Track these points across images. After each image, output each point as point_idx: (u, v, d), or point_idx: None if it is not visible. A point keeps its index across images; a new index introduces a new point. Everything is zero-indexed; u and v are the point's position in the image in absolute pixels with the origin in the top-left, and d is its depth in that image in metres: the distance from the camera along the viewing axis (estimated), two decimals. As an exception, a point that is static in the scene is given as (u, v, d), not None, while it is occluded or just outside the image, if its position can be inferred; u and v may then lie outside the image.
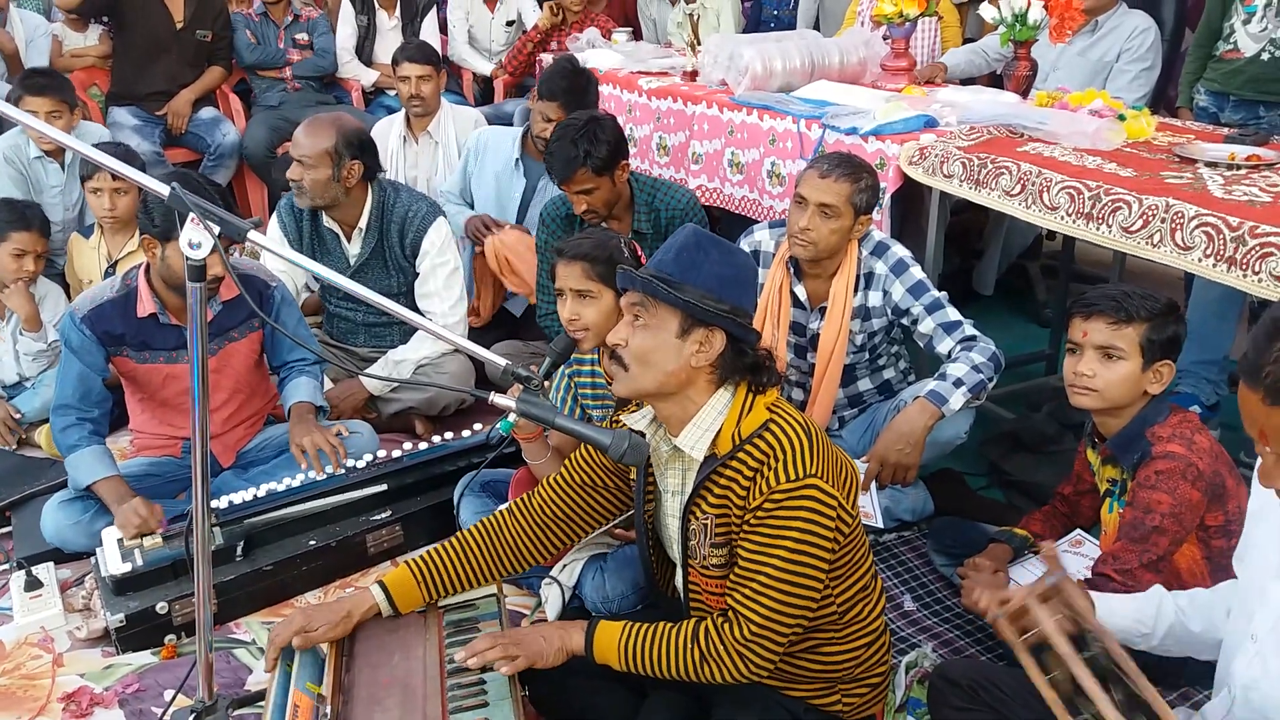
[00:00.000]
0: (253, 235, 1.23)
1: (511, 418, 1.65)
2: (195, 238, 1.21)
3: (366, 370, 2.64)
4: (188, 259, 1.21)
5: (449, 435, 2.38)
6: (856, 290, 2.16)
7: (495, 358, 1.38)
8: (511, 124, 3.55)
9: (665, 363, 1.36)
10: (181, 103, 3.89)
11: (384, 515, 2.19)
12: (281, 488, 2.16)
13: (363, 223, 2.64)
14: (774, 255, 2.24)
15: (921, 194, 2.51)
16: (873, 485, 1.97)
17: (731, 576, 1.40)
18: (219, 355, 2.24)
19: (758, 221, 2.61)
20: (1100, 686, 1.10)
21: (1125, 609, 1.33)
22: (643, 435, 1.46)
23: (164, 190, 1.20)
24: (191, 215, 1.20)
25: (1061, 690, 1.13)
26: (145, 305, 2.14)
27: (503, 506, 1.73)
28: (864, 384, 2.34)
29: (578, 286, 1.84)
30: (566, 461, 1.64)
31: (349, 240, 2.68)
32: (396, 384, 2.67)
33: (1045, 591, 1.26)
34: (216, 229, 1.21)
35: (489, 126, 3.31)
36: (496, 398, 1.40)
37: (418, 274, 2.70)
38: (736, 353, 1.36)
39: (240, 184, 4.08)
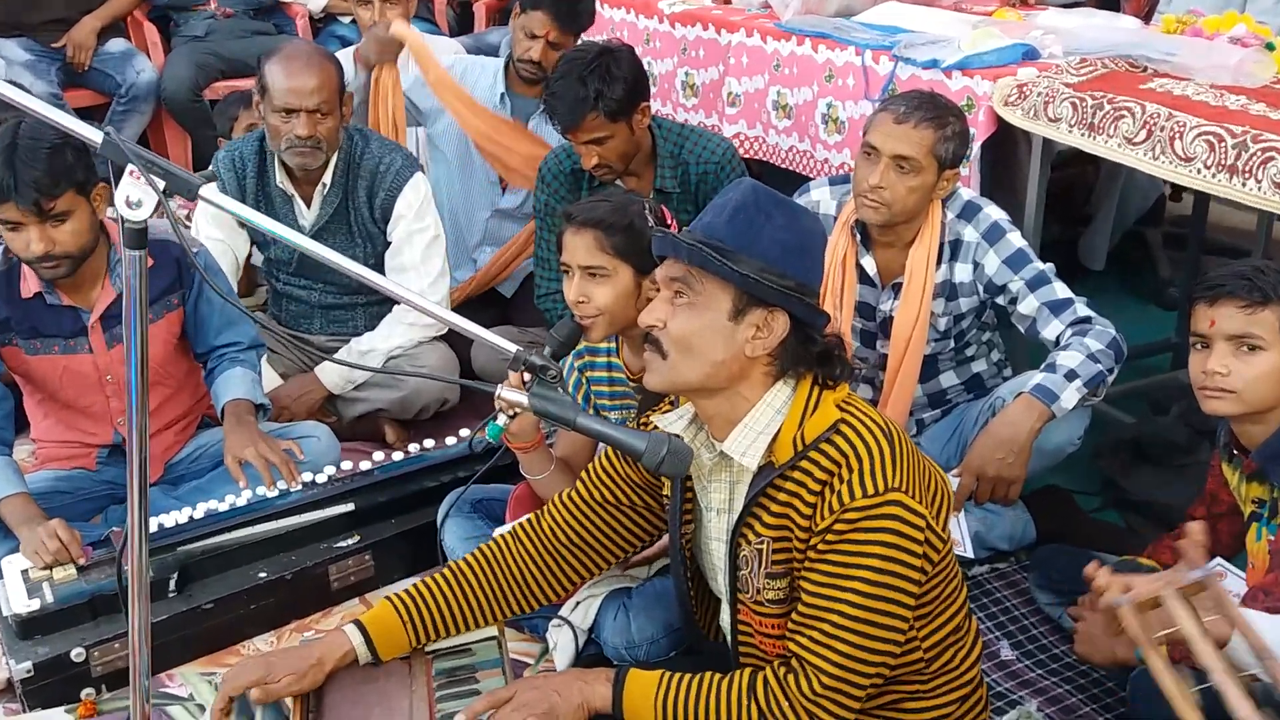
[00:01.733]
0: (209, 192, 1.25)
1: (501, 420, 1.67)
2: (135, 195, 1.23)
3: (331, 359, 2.65)
4: (125, 221, 1.23)
5: (428, 443, 2.40)
6: (940, 262, 2.17)
7: (501, 341, 1.40)
8: (496, 56, 3.56)
9: (713, 350, 1.37)
10: (84, 33, 3.87)
11: (350, 542, 2.20)
12: (223, 507, 2.17)
13: (327, 178, 2.66)
14: (835, 220, 2.26)
15: (1016, 143, 2.52)
16: (964, 506, 1.99)
17: (794, 616, 1.41)
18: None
19: (809, 179, 2.62)
20: (1256, 711, 1.05)
21: None
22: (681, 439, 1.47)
23: (95, 137, 1.22)
24: (131, 167, 1.22)
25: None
26: (29, 283, 2.14)
27: (500, 531, 1.75)
28: (948, 379, 2.35)
29: (588, 262, 1.85)
30: (584, 475, 1.66)
31: (306, 202, 2.70)
32: (365, 376, 2.67)
33: (1188, 586, 1.21)
34: (161, 184, 1.23)
35: (464, 56, 3.33)
36: (506, 390, 1.42)
37: (389, 243, 2.72)
38: (802, 339, 1.38)
39: (158, 133, 4.10)
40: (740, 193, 1.38)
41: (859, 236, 2.21)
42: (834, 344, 1.41)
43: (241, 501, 2.19)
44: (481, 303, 3.16)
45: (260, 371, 2.39)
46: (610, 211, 1.85)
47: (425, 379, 2.70)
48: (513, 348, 1.39)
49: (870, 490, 1.34)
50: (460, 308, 2.99)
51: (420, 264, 2.70)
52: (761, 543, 1.43)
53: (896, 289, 2.21)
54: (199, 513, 2.16)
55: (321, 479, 2.25)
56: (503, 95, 3.06)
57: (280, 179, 2.66)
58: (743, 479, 1.45)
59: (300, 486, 2.23)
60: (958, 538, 1.98)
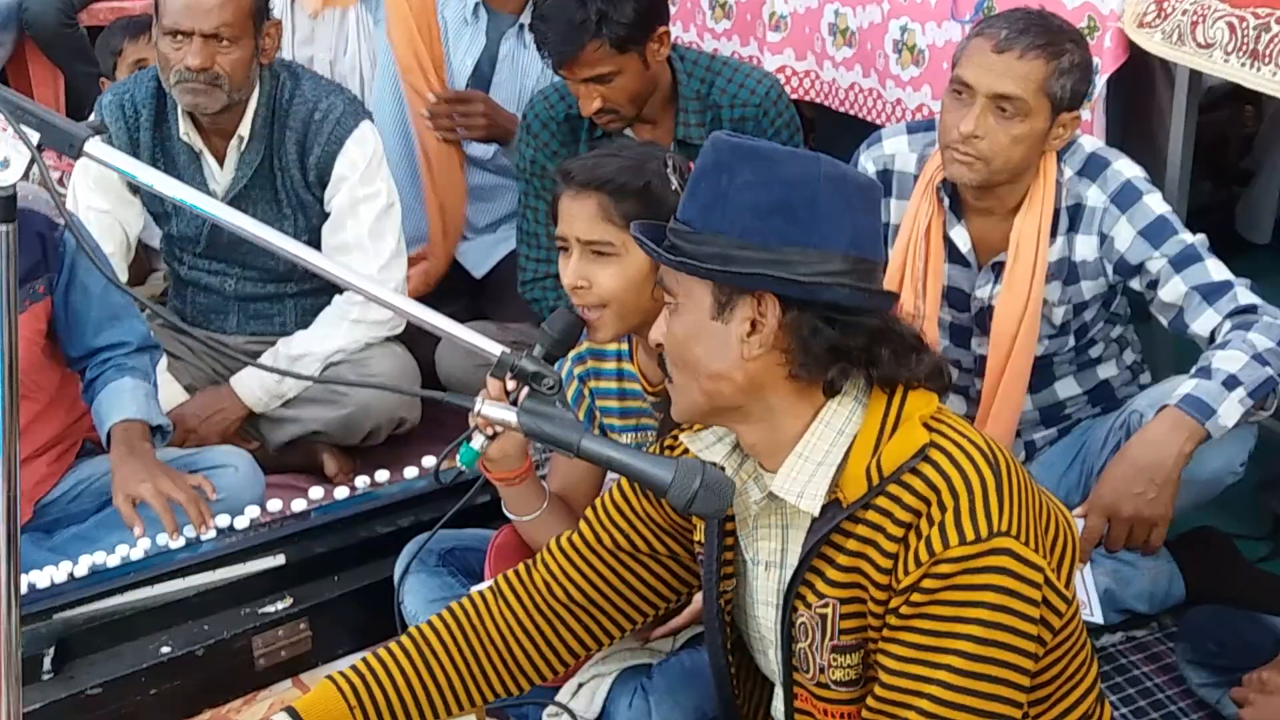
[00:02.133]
0: (97, 148, 1.26)
1: (478, 443, 1.67)
2: (2, 152, 1.24)
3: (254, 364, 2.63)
4: (-13, 185, 1.24)
5: (381, 476, 2.40)
6: (1055, 234, 2.17)
7: (480, 340, 1.41)
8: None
9: (707, 360, 1.41)
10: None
11: (281, 606, 2.21)
12: (113, 562, 2.17)
13: (244, 129, 2.67)
14: (915, 178, 2.26)
15: (1154, 78, 2.51)
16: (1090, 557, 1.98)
17: (870, 702, 1.41)
18: None
19: (877, 126, 2.60)
20: None
21: None
22: (721, 468, 1.48)
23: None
24: (-2, 117, 1.23)
25: None
26: None
27: (478, 588, 1.74)
28: (1067, 388, 2.34)
29: (591, 235, 1.85)
30: (588, 515, 1.66)
31: (219, 161, 2.70)
32: (298, 388, 2.68)
33: None
34: (35, 137, 1.24)
35: None
36: (488, 405, 1.42)
37: (326, 214, 2.73)
38: (814, 329, 1.37)
39: (19, 70, 4.12)
40: (705, 154, 1.41)
41: (948, 201, 2.21)
42: (901, 335, 1.41)
43: (137, 554, 2.19)
44: (445, 290, 3.18)
45: (156, 382, 2.40)
46: (620, 169, 1.85)
47: (376, 391, 2.70)
48: (496, 349, 1.40)
49: (970, 535, 1.34)
50: (418, 297, 2.99)
51: (368, 241, 2.71)
52: (825, 606, 1.43)
53: (998, 270, 2.21)
54: (81, 568, 2.16)
55: (241, 524, 2.26)
56: (476, 7, 3.07)
57: (184, 130, 2.68)
58: (800, 523, 1.46)
59: (213, 534, 2.23)
60: (1083, 597, 1.97)
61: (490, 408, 1.43)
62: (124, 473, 2.21)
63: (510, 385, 1.67)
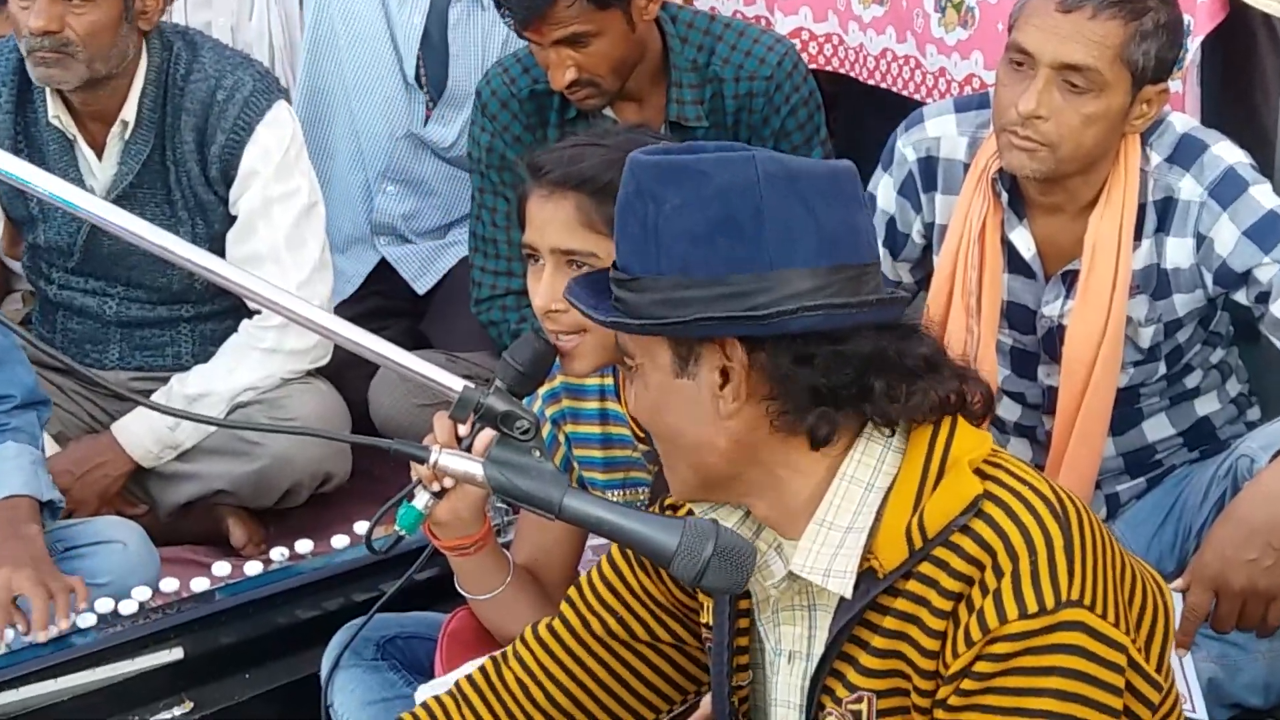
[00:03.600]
0: None
1: (421, 502, 1.66)
2: None
3: (144, 402, 2.58)
4: None
5: (302, 547, 2.40)
6: (1140, 236, 2.17)
7: (441, 374, 1.44)
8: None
9: (684, 427, 1.42)
10: None
11: (179, 712, 2.20)
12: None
13: (128, 113, 2.67)
14: (966, 167, 2.26)
15: (1257, 41, 2.51)
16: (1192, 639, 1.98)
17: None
18: None
19: (917, 103, 2.64)
20: None
21: None
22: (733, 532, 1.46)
23: None
24: None
25: None
26: None
27: (428, 690, 1.76)
28: (1157, 427, 2.35)
29: (569, 245, 1.85)
30: (572, 596, 1.65)
31: (98, 152, 2.70)
32: (197, 436, 2.67)
33: None
34: None
35: None
36: (447, 455, 1.41)
37: (233, 218, 2.74)
38: (788, 374, 1.36)
39: None
40: (624, 182, 1.41)
41: (1006, 197, 2.21)
42: (880, 352, 1.38)
43: (-2, 650, 2.19)
44: (376, 309, 3.18)
45: (43, 446, 2.41)
46: (604, 162, 1.83)
47: (295, 440, 2.69)
48: (456, 383, 1.42)
49: (1032, 605, 1.33)
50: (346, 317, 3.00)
51: (285, 251, 2.71)
52: (859, 701, 1.42)
53: (1070, 280, 2.20)
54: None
55: (129, 609, 2.24)
56: None
57: (54, 111, 2.68)
58: (829, 602, 1.45)
59: (93, 622, 2.21)
60: (1182, 688, 1.93)
61: (450, 458, 1.43)
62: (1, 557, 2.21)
63: (463, 430, 1.67)
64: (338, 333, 1.43)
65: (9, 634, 2.18)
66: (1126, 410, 2.28)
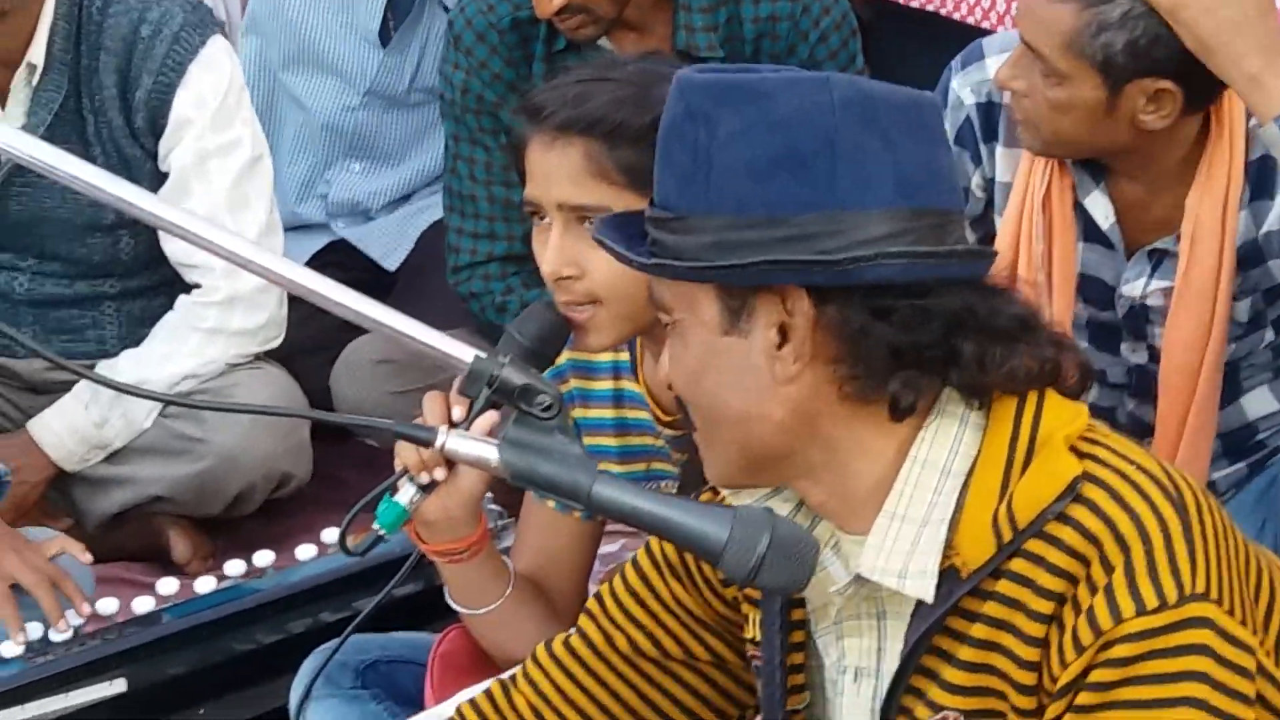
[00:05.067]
0: None
1: (406, 499, 1.66)
2: None
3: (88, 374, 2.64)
4: None
5: (262, 559, 2.40)
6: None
7: (446, 342, 1.44)
8: None
9: (731, 394, 1.42)
10: None
11: (121, 754, 2.18)
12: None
13: (35, 54, 2.66)
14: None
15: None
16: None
17: None
18: None
19: (969, 31, 2.66)
20: None
21: None
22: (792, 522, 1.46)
23: None
24: None
25: None
26: None
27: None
28: (1258, 402, 2.38)
29: (577, 199, 1.87)
30: (592, 607, 1.67)
31: (1, 102, 2.71)
32: (127, 433, 2.70)
33: None
34: None
35: None
36: (455, 436, 1.44)
37: (164, 174, 2.74)
38: (864, 329, 1.36)
39: None
40: (669, 104, 1.42)
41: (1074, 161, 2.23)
42: (968, 309, 1.38)
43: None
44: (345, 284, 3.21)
45: None
46: (615, 100, 1.86)
47: (245, 436, 2.70)
48: (465, 351, 1.42)
49: (1151, 600, 1.33)
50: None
51: (225, 212, 2.72)
52: None
53: (1157, 260, 2.22)
54: None
55: (60, 635, 2.25)
56: None
57: (-49, 54, 2.66)
58: (903, 608, 1.46)
59: (19, 651, 2.23)
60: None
61: (459, 440, 1.43)
62: None
63: (457, 414, 1.67)
64: (315, 290, 1.40)
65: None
66: (1224, 386, 2.28)
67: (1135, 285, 2.25)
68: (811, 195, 1.36)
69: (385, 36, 3.23)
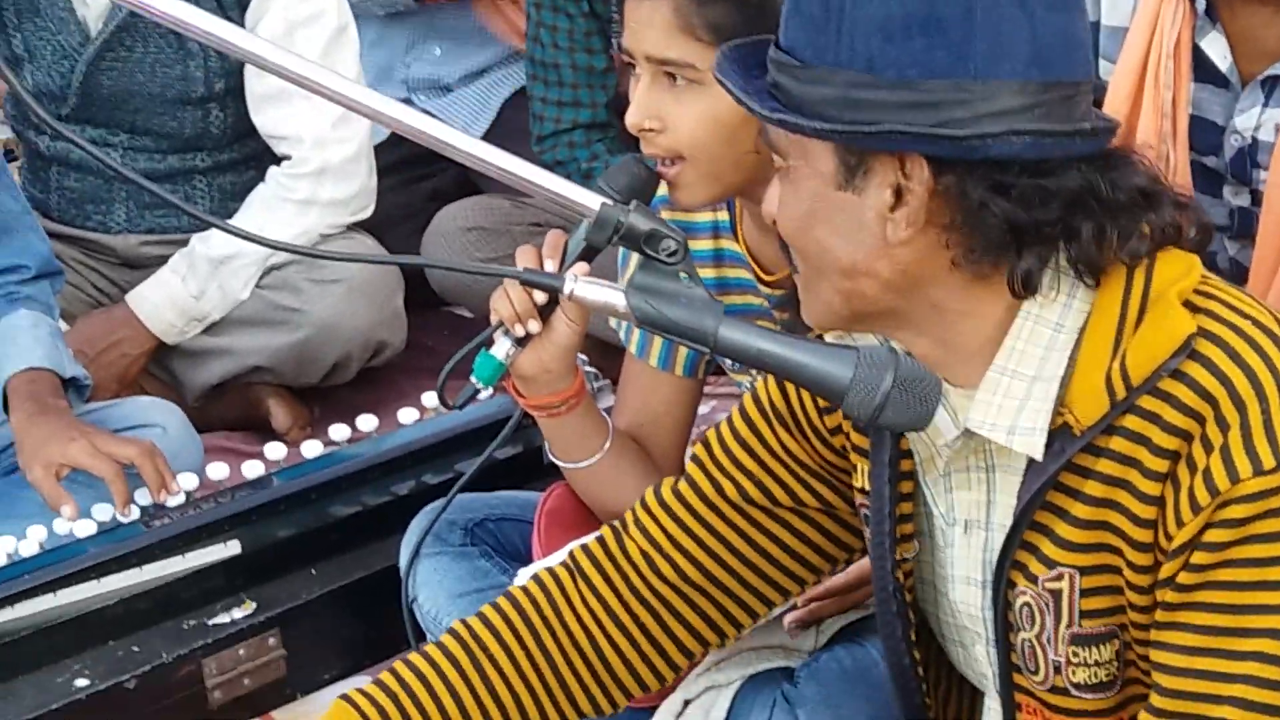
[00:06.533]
0: None
1: (502, 352, 1.68)
2: None
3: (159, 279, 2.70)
4: None
5: (366, 424, 2.43)
6: None
7: (571, 189, 1.47)
8: None
9: (840, 246, 1.40)
10: None
11: (239, 614, 2.24)
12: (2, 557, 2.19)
13: None
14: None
15: None
16: None
17: (1145, 716, 1.41)
18: None
19: None
20: None
21: None
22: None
23: None
24: None
25: None
26: None
27: (528, 572, 1.78)
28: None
29: (664, 53, 1.86)
30: (700, 454, 1.67)
31: None
32: (221, 309, 2.71)
33: None
34: None
35: None
36: (583, 283, 1.45)
37: None
38: (984, 203, 1.34)
39: None
40: None
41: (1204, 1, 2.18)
42: (1090, 187, 1.36)
43: (29, 548, 2.21)
44: (418, 155, 3.06)
45: (57, 315, 2.44)
46: None
47: (343, 307, 2.73)
48: (592, 199, 1.44)
49: (1269, 461, 1.32)
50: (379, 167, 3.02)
51: None
52: (1059, 578, 1.44)
53: (1270, 87, 2.18)
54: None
55: (174, 500, 2.28)
56: None
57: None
58: (1014, 463, 1.46)
59: (136, 515, 2.26)
60: None
61: (587, 286, 1.44)
62: (38, 435, 2.27)
63: (549, 266, 1.70)
64: (426, 132, 1.42)
65: (40, 530, 2.22)
66: None
67: (1248, 116, 2.22)
68: (945, 61, 1.33)
69: None
